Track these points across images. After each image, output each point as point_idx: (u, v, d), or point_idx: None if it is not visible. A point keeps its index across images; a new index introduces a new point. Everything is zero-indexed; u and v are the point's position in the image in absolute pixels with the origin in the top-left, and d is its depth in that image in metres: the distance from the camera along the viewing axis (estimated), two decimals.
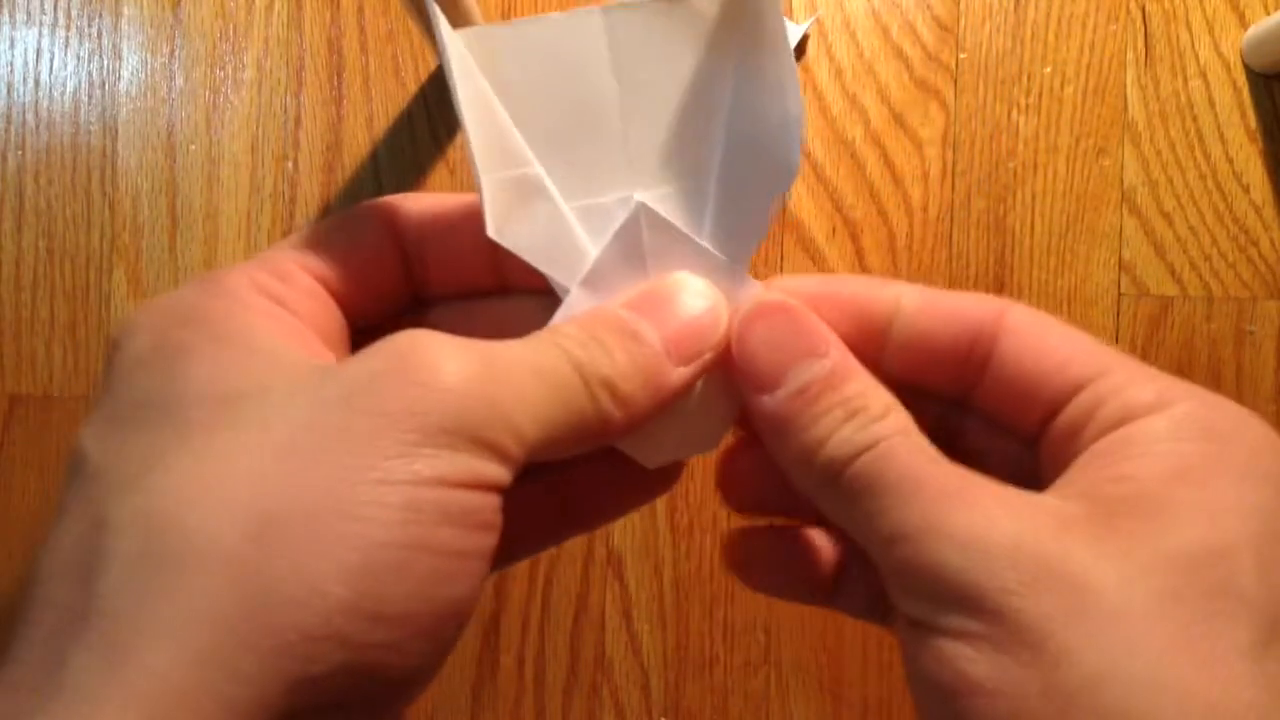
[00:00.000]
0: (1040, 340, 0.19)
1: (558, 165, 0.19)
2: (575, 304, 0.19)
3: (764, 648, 0.60)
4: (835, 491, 0.18)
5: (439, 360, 0.16)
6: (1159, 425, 0.17)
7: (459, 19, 0.53)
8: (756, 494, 0.23)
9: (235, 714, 0.14)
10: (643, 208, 0.19)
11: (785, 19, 0.60)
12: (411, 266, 0.21)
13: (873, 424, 0.18)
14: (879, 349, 0.20)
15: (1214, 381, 0.60)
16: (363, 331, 0.20)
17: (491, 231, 0.18)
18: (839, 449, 0.18)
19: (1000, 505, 0.16)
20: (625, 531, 0.61)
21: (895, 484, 0.17)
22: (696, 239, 0.20)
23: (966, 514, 0.16)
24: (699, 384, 0.20)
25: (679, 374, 0.19)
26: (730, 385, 0.20)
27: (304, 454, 0.15)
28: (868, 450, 0.17)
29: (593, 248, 0.20)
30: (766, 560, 0.23)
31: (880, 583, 0.21)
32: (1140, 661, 0.14)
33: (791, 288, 0.20)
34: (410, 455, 0.15)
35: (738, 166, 0.20)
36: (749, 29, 0.19)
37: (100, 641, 0.14)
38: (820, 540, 0.23)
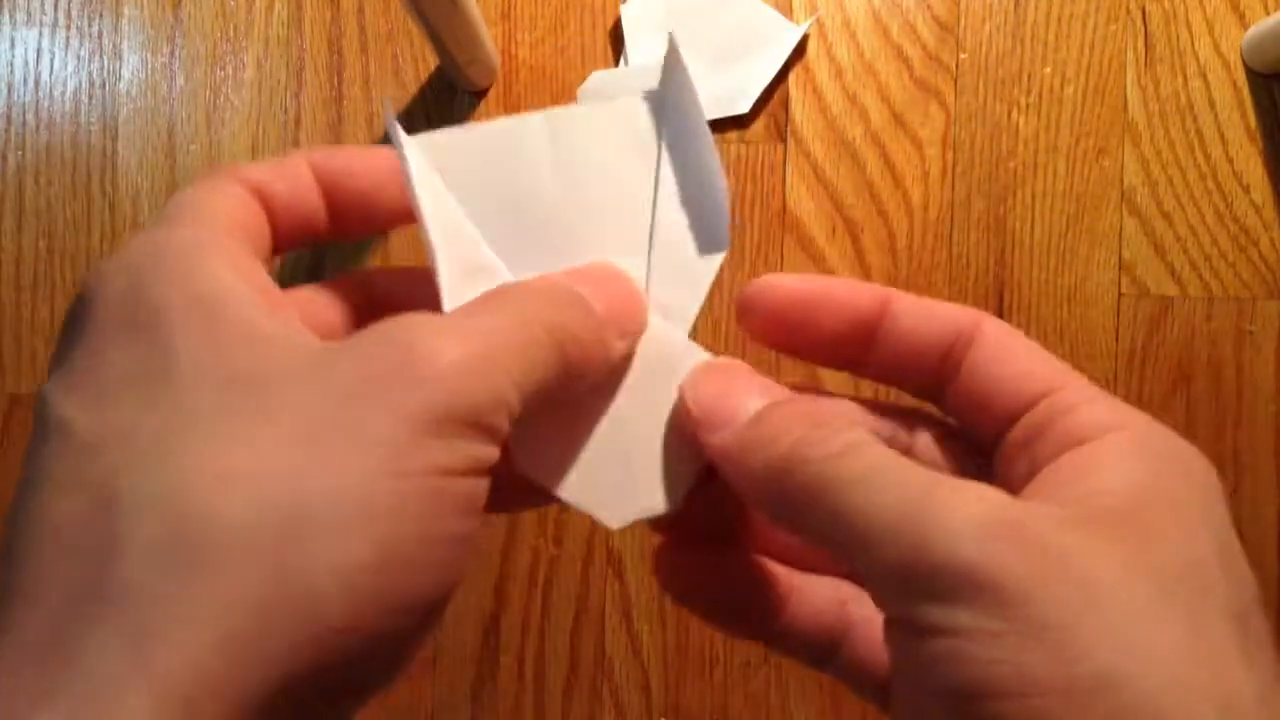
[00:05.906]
0: (1006, 350, 0.19)
1: (506, 251, 0.21)
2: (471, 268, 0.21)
3: (764, 647, 0.60)
4: (810, 496, 0.17)
5: (439, 349, 0.16)
6: (1124, 445, 0.17)
7: (459, 20, 0.53)
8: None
9: (256, 699, 0.14)
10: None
11: (785, 17, 0.61)
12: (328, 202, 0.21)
13: (837, 433, 0.18)
14: (867, 347, 0.20)
15: (1214, 381, 0.60)
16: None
17: (446, 305, 0.20)
18: (808, 450, 0.17)
19: (994, 493, 0.16)
20: (625, 531, 0.61)
21: (874, 476, 0.17)
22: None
23: (962, 501, 0.16)
24: (660, 436, 0.21)
25: (617, 347, 0.20)
26: (687, 445, 0.21)
27: (322, 448, 0.15)
28: (838, 453, 0.17)
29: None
30: (701, 579, 0.22)
31: (827, 628, 0.22)
32: (1155, 660, 0.14)
33: (783, 285, 0.21)
34: (424, 447, 0.15)
35: (672, 243, 0.22)
36: (674, 122, 0.22)
37: (123, 623, 0.14)
38: (767, 570, 0.22)
